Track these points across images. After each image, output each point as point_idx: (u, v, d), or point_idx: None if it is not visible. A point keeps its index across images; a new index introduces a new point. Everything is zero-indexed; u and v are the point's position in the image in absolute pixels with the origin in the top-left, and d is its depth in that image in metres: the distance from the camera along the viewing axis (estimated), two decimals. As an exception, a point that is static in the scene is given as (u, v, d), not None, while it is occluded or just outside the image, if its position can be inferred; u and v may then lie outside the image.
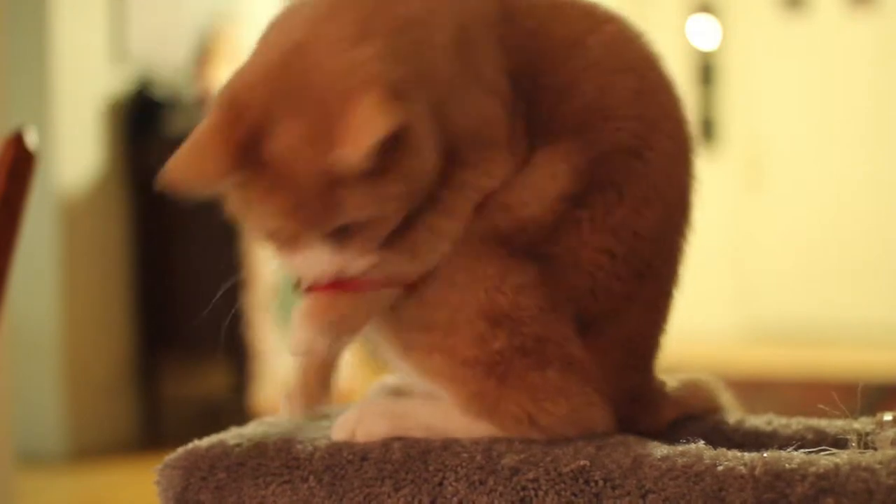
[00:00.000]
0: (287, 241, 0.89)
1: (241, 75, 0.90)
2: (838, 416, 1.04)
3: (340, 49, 0.86)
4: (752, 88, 7.06)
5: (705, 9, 7.23)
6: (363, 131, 0.82)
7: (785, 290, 6.97)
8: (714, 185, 7.03)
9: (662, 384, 1.09)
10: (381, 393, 1.07)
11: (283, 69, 0.87)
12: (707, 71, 7.26)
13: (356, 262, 0.90)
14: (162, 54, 4.15)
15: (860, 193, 6.81)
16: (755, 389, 4.23)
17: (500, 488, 0.90)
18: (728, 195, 7.07)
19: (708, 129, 7.24)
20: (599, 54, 0.99)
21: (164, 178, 0.86)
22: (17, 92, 3.37)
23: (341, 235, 0.88)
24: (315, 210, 0.86)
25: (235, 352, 3.90)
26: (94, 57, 3.97)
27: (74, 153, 3.85)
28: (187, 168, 0.86)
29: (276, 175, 0.85)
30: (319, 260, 0.89)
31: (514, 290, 0.93)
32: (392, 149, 0.84)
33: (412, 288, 0.95)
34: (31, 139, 1.32)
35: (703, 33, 7.25)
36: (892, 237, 6.74)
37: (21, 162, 1.30)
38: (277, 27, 0.93)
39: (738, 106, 7.13)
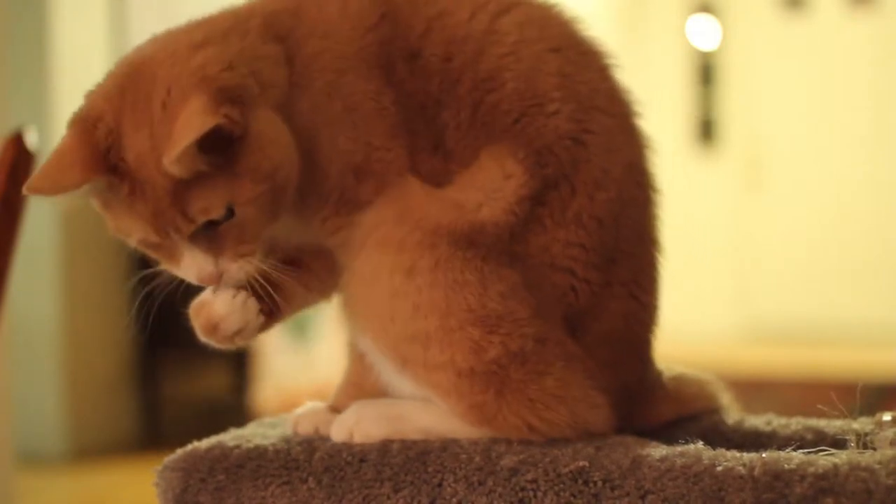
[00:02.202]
0: (161, 250, 0.93)
1: (92, 95, 0.93)
2: (837, 417, 1.04)
3: (179, 59, 0.90)
4: (752, 88, 7.05)
5: (705, 9, 7.23)
6: (181, 134, 0.85)
7: (785, 290, 6.96)
8: (714, 185, 7.03)
9: (659, 375, 1.08)
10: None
11: (130, 82, 0.90)
12: (707, 71, 7.26)
13: (232, 266, 0.92)
14: (162, 54, 4.16)
15: (860, 193, 6.81)
16: (755, 389, 4.22)
17: (500, 489, 0.90)
18: (728, 195, 7.07)
19: (708, 129, 7.23)
20: (516, 38, 0.98)
21: (29, 188, 0.90)
22: (17, 92, 3.37)
23: (211, 242, 0.91)
24: (170, 216, 0.88)
25: (235, 352, 3.90)
26: (94, 57, 3.96)
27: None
28: (50, 177, 0.90)
29: (132, 183, 0.88)
30: (196, 266, 0.92)
31: (501, 297, 0.93)
32: (229, 149, 0.87)
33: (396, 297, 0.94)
34: (31, 139, 1.32)
35: (703, 33, 7.25)
36: (892, 237, 6.73)
37: (21, 162, 1.30)
38: (131, 51, 0.96)
39: (738, 106, 7.13)
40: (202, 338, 1.00)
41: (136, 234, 0.91)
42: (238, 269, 0.92)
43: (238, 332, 0.98)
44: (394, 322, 0.94)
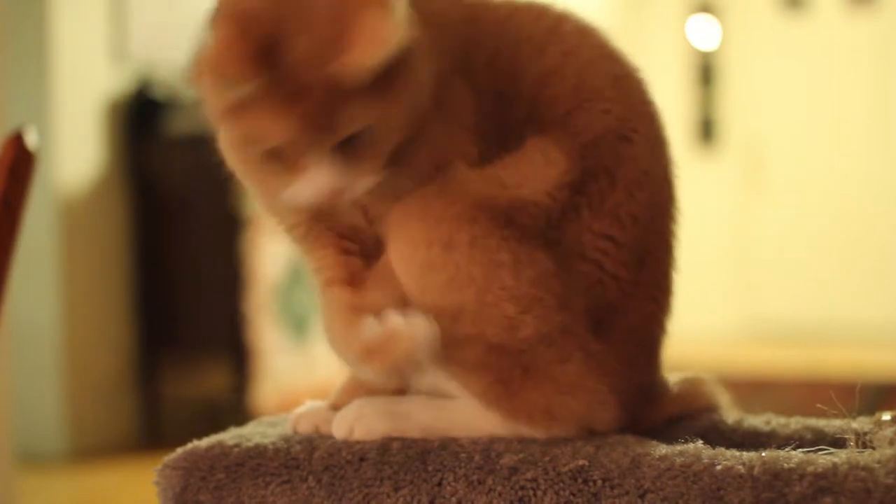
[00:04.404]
0: (292, 162, 0.91)
1: None
2: (837, 416, 1.04)
3: None
4: (752, 88, 7.06)
5: (705, 9, 7.23)
6: (373, 41, 0.85)
7: (785, 290, 6.97)
8: (714, 185, 7.03)
9: (664, 377, 1.09)
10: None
11: None
12: (707, 71, 7.26)
13: (359, 181, 0.92)
14: (162, 54, 4.16)
15: (860, 193, 6.81)
16: (755, 389, 4.23)
17: (499, 488, 0.90)
18: (728, 195, 7.07)
19: (708, 129, 7.24)
20: (577, 41, 1.03)
21: (190, 77, 0.89)
22: (17, 92, 3.37)
23: (346, 153, 0.90)
24: (322, 121, 0.88)
25: (235, 352, 3.91)
26: (94, 57, 3.97)
27: (74, 153, 3.85)
28: (212, 70, 0.88)
29: (288, 86, 0.87)
30: (323, 178, 0.90)
31: (533, 283, 0.95)
32: (396, 65, 0.88)
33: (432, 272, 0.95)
34: (31, 139, 1.32)
35: (703, 33, 7.25)
36: (892, 237, 6.74)
37: (21, 162, 1.30)
38: None
39: (738, 106, 7.13)
40: (383, 374, 0.94)
41: (277, 138, 0.89)
42: (362, 184, 0.92)
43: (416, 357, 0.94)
44: (424, 294, 0.95)
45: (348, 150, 0.90)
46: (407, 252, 0.96)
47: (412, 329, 0.93)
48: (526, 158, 0.98)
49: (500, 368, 0.95)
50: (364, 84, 0.87)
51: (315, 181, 0.91)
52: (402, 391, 1.02)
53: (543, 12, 1.05)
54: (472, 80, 0.99)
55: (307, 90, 0.87)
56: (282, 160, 0.91)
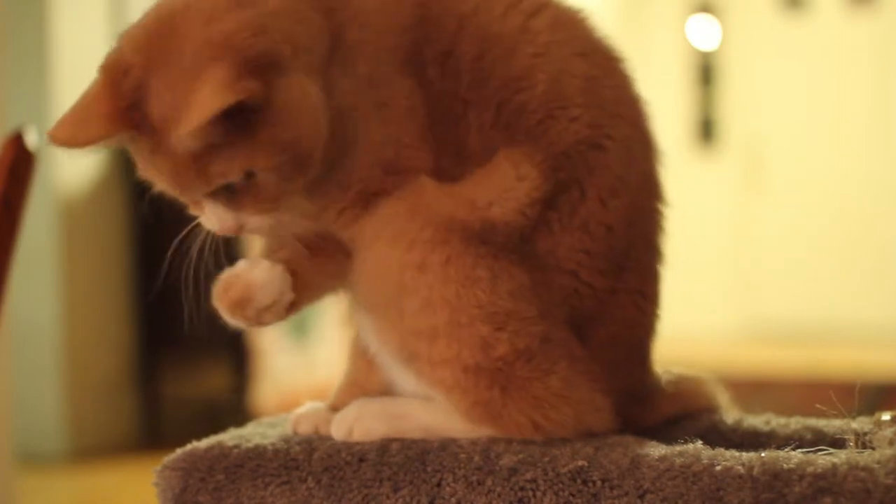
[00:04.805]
0: (185, 199, 0.93)
1: (124, 40, 0.90)
2: (836, 416, 1.04)
3: (211, 19, 0.87)
4: (752, 88, 7.05)
5: (705, 9, 7.23)
6: (196, 108, 0.83)
7: (785, 290, 6.97)
8: (714, 185, 7.03)
9: (658, 378, 1.09)
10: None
11: (160, 34, 0.88)
12: (707, 71, 7.26)
13: (251, 219, 0.92)
14: (162, 54, 4.15)
15: (860, 193, 6.81)
16: (755, 389, 4.22)
17: (499, 489, 0.90)
18: (728, 195, 7.07)
19: (708, 129, 7.23)
20: (548, 39, 0.98)
21: (53, 138, 0.88)
22: (17, 92, 3.37)
23: (232, 196, 0.90)
24: (190, 176, 0.88)
25: (235, 352, 3.90)
26: (94, 57, 3.96)
27: (74, 153, 3.85)
28: (72, 129, 0.88)
29: (154, 141, 0.87)
30: (216, 216, 0.92)
31: (510, 296, 0.93)
32: (263, 112, 0.86)
33: (406, 291, 0.94)
34: (31, 139, 1.32)
35: (703, 33, 7.25)
36: (892, 237, 6.73)
37: (21, 162, 1.30)
38: None
39: (738, 106, 7.13)
40: (229, 315, 0.97)
41: (158, 185, 0.91)
42: (259, 219, 0.93)
43: (270, 307, 0.96)
44: (402, 317, 0.94)
45: (233, 193, 0.90)
46: (379, 277, 0.95)
47: (251, 271, 0.95)
48: (497, 174, 0.95)
49: (478, 390, 0.94)
50: (226, 137, 0.85)
51: (210, 218, 0.92)
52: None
53: (513, 4, 0.99)
54: (423, 82, 0.96)
55: (171, 147, 0.86)
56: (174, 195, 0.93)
